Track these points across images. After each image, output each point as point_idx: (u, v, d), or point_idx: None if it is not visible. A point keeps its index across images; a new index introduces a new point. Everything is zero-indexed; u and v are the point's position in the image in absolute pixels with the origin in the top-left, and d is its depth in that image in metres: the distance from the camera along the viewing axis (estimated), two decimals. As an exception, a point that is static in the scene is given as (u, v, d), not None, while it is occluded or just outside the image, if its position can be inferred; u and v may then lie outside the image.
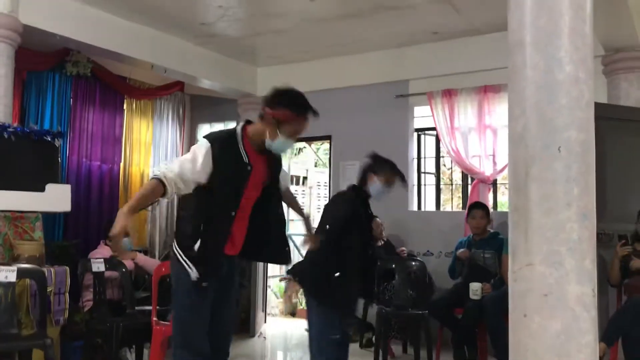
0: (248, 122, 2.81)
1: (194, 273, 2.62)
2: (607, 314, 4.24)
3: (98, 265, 4.46)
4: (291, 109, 2.69)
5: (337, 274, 3.27)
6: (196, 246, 2.62)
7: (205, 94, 7.26)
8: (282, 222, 2.99)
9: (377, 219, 5.48)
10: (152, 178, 2.58)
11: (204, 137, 2.70)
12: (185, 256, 2.65)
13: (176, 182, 2.56)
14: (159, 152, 7.10)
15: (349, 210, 3.39)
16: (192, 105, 7.74)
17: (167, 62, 5.93)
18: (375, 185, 3.45)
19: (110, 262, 4.56)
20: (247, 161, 2.71)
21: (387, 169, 3.48)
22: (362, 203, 3.52)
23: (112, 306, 4.51)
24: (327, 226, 3.35)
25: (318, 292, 3.33)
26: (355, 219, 3.39)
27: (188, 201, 2.73)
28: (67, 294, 4.10)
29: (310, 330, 3.42)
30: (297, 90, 2.78)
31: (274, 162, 2.88)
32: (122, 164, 6.65)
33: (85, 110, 6.27)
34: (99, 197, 6.32)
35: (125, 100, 6.75)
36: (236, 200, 2.70)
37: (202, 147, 2.63)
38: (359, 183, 3.53)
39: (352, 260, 3.35)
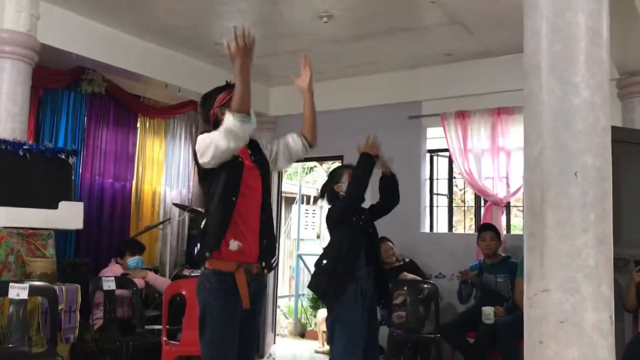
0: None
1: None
2: (623, 339, 4.17)
3: (109, 284, 4.46)
4: (219, 92, 2.88)
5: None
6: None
7: (218, 113, 7.29)
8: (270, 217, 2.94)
9: (388, 242, 5.46)
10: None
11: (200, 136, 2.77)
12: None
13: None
14: (171, 171, 7.13)
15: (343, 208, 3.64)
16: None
17: (181, 82, 5.97)
18: (344, 187, 3.70)
19: (121, 281, 4.56)
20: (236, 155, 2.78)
21: (341, 171, 3.83)
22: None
23: (122, 325, 4.51)
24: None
25: (332, 294, 3.48)
26: (347, 221, 3.60)
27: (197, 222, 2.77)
28: (77, 312, 4.09)
29: (332, 353, 3.48)
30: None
31: (256, 150, 3.00)
32: (134, 182, 6.68)
33: (99, 128, 6.32)
34: (110, 214, 6.34)
35: (139, 119, 6.80)
36: (236, 187, 2.75)
37: (207, 135, 2.72)
38: (331, 201, 3.79)
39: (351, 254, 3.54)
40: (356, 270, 3.52)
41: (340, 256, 3.55)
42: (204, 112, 2.92)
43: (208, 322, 2.66)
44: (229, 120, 2.57)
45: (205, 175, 2.78)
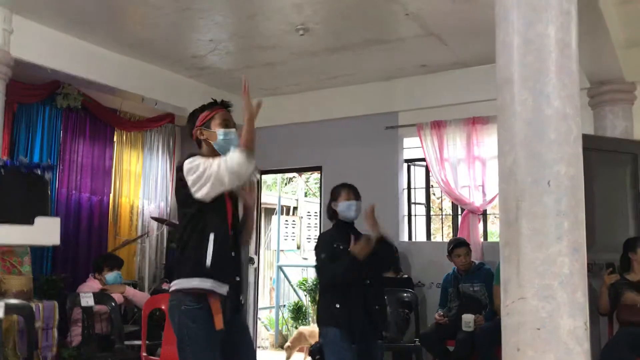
0: (193, 154, 2.74)
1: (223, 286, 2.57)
2: (599, 344, 4.25)
3: (87, 300, 4.41)
4: (201, 112, 2.79)
5: (338, 305, 3.47)
6: (208, 262, 2.55)
7: (195, 125, 7.27)
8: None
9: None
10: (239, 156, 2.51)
11: (190, 158, 2.62)
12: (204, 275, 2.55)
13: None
14: (149, 184, 7.08)
15: (328, 250, 3.59)
16: (183, 136, 7.74)
17: (157, 95, 5.96)
18: (340, 205, 3.68)
19: (99, 296, 4.51)
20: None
21: (338, 190, 3.76)
22: (343, 235, 3.65)
23: (101, 341, 4.45)
24: (323, 255, 3.60)
25: (325, 320, 3.52)
26: (338, 254, 3.55)
27: (183, 239, 2.67)
28: (55, 329, 4.05)
29: None
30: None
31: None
32: (111, 196, 6.61)
33: (76, 142, 6.26)
34: (88, 229, 6.27)
35: (115, 132, 6.74)
36: (224, 223, 2.66)
37: (195, 160, 2.59)
38: (331, 218, 3.78)
39: (348, 290, 3.50)
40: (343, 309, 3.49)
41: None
42: (188, 129, 2.84)
43: (187, 345, 2.55)
44: (237, 157, 2.49)
45: (192, 202, 2.61)
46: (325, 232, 3.94)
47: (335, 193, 3.78)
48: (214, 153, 2.72)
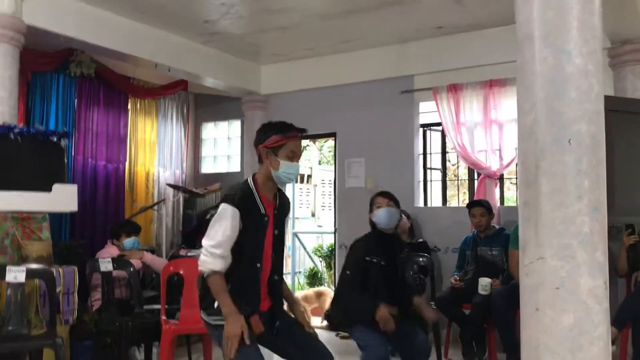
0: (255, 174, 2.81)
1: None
2: (617, 305, 4.23)
3: (106, 265, 4.45)
4: (276, 133, 2.70)
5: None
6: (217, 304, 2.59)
7: (209, 92, 7.26)
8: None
9: (404, 219, 5.44)
10: (208, 275, 2.57)
11: (225, 200, 2.63)
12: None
13: (224, 258, 2.58)
14: (164, 151, 7.11)
15: (357, 265, 3.54)
16: (196, 103, 7.74)
17: (170, 61, 5.92)
18: (375, 216, 3.60)
19: (118, 262, 4.56)
20: (264, 212, 2.71)
21: (373, 199, 3.66)
22: (378, 246, 3.59)
23: (120, 305, 4.51)
24: (347, 272, 3.59)
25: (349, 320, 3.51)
26: (370, 267, 3.52)
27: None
28: (75, 294, 4.09)
29: None
30: (277, 120, 2.81)
31: (281, 210, 2.84)
32: (127, 164, 6.66)
33: (90, 110, 6.28)
34: (105, 196, 6.33)
35: (129, 100, 6.75)
36: (259, 252, 2.70)
37: (228, 212, 2.60)
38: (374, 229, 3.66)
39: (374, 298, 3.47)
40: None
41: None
42: (256, 140, 2.78)
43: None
44: (206, 270, 2.57)
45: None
46: (358, 241, 3.71)
47: (371, 203, 3.66)
48: (268, 179, 2.74)
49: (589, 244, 2.31)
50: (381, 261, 3.54)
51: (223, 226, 2.58)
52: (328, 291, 6.73)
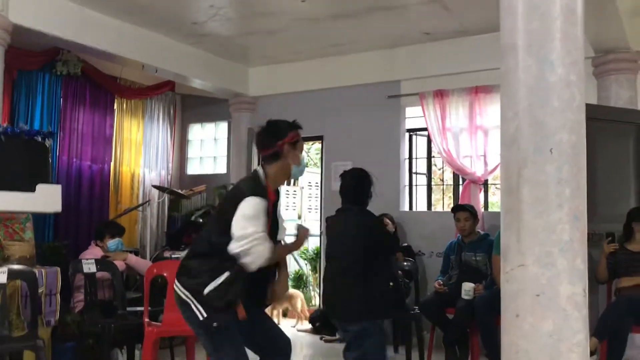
0: (263, 166, 2.83)
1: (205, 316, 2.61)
2: (597, 312, 4.28)
3: (89, 266, 4.42)
4: (291, 130, 2.82)
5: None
6: (210, 288, 2.60)
7: (196, 93, 7.25)
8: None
9: (388, 223, 5.46)
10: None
11: (255, 194, 2.63)
12: (199, 300, 2.62)
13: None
14: (150, 152, 7.08)
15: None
16: (183, 105, 7.72)
17: (158, 62, 5.90)
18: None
19: (102, 263, 4.53)
20: (269, 205, 2.75)
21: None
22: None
23: (103, 307, 4.49)
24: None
25: (365, 314, 3.48)
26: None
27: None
28: (58, 295, 4.06)
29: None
30: (278, 119, 2.89)
31: (277, 203, 2.92)
32: (112, 164, 6.62)
33: (76, 110, 6.24)
34: (89, 197, 6.29)
35: (115, 100, 6.71)
36: None
37: (261, 205, 2.62)
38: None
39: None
40: None
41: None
42: (267, 139, 2.81)
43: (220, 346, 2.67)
44: (267, 253, 2.59)
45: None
46: (371, 215, 3.75)
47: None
48: (284, 175, 2.86)
49: (569, 251, 2.34)
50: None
51: (262, 218, 2.61)
52: (298, 293, 6.74)
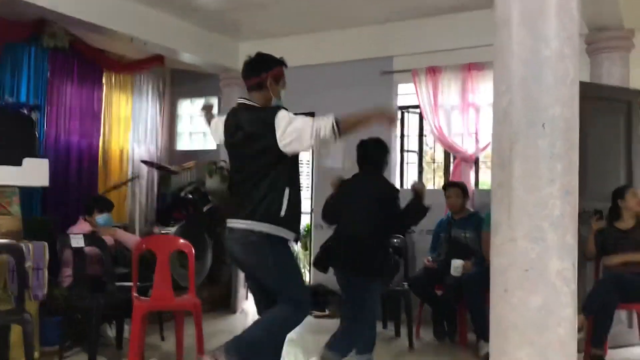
0: (249, 95, 3.05)
1: (291, 235, 2.90)
2: (584, 288, 4.32)
3: (77, 241, 4.39)
4: (278, 65, 3.04)
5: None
6: (283, 211, 2.84)
7: (186, 68, 7.15)
8: None
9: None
10: (334, 127, 2.83)
11: (279, 109, 2.87)
12: (279, 224, 2.84)
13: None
14: (139, 127, 7.00)
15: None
16: (173, 80, 7.62)
17: (147, 35, 5.79)
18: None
19: (90, 238, 4.49)
20: None
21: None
22: None
23: (92, 282, 4.47)
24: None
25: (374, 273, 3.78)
26: None
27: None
28: (45, 270, 4.04)
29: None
30: (268, 53, 3.12)
31: None
32: (101, 139, 6.54)
33: (63, 84, 6.13)
34: (77, 172, 6.22)
35: (104, 74, 6.61)
36: (299, 175, 3.11)
37: (290, 113, 2.87)
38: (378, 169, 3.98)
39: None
40: None
41: None
42: (254, 70, 3.02)
43: (283, 267, 2.93)
44: (329, 132, 2.80)
45: (272, 151, 2.85)
46: (379, 175, 4.02)
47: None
48: (265, 100, 3.01)
49: (559, 226, 2.34)
50: None
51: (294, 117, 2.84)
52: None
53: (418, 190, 3.81)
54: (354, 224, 3.80)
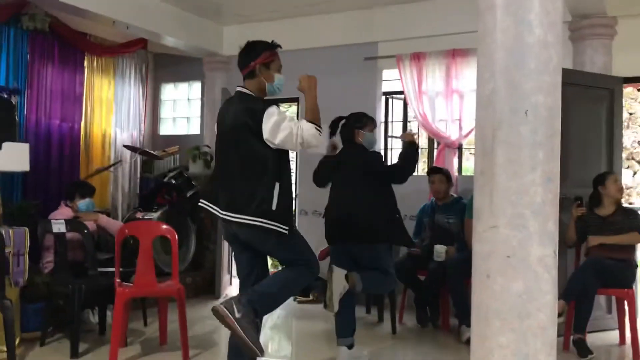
0: (241, 86, 3.07)
1: (284, 228, 2.88)
2: (565, 274, 4.37)
3: (59, 226, 4.35)
4: (266, 49, 3.06)
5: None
6: (274, 205, 2.86)
7: (169, 52, 7.07)
8: None
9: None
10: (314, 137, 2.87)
11: (270, 105, 2.89)
12: (274, 220, 2.85)
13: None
14: (122, 112, 6.93)
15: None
16: (156, 63, 7.53)
17: (129, 18, 5.70)
18: (367, 136, 3.94)
19: (71, 223, 4.45)
20: None
21: (366, 120, 4.01)
22: None
23: (74, 268, 4.43)
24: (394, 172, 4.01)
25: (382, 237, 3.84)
26: None
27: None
28: (26, 256, 4.00)
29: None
30: (258, 40, 3.16)
31: None
32: (82, 123, 6.46)
33: (44, 66, 6.03)
34: (59, 157, 6.15)
35: (85, 58, 6.52)
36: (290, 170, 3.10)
37: (280, 112, 2.89)
38: (349, 140, 3.97)
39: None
40: None
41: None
42: (244, 59, 3.06)
43: (290, 244, 2.98)
44: (313, 132, 2.85)
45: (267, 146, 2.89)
46: (375, 152, 4.09)
47: (361, 120, 3.99)
48: (261, 92, 3.05)
49: (541, 213, 2.36)
50: None
51: (286, 117, 2.88)
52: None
53: (408, 140, 3.97)
54: (349, 196, 3.87)
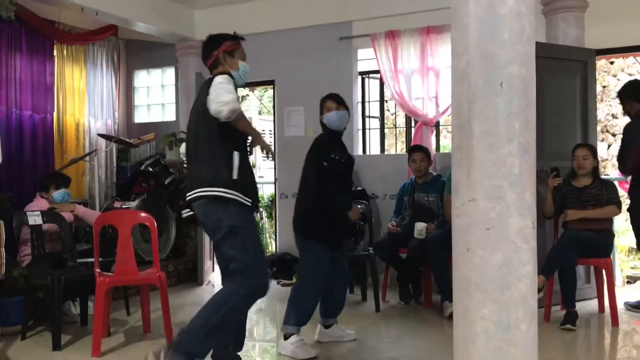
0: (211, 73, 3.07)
1: (247, 200, 2.87)
2: (544, 246, 4.43)
3: (34, 218, 4.27)
4: (227, 39, 3.11)
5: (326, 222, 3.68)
6: (235, 175, 2.85)
7: (141, 38, 6.96)
8: None
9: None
10: (238, 116, 2.79)
11: (222, 75, 2.89)
12: (233, 188, 2.84)
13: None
14: (95, 100, 6.82)
15: (328, 158, 3.64)
16: (128, 50, 7.41)
17: (98, 4, 5.59)
18: (327, 117, 3.73)
19: (47, 215, 4.38)
20: None
21: (323, 102, 3.80)
22: (340, 145, 3.79)
23: (52, 260, 4.37)
24: (320, 175, 3.65)
25: (309, 232, 3.68)
26: (335, 164, 3.67)
27: (206, 148, 2.89)
28: (2, 249, 3.92)
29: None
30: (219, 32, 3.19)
31: None
32: (55, 114, 6.35)
33: (11, 56, 5.89)
34: (32, 148, 6.05)
35: (55, 46, 6.38)
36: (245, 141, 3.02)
37: (230, 81, 2.85)
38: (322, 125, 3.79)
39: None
40: None
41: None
42: (207, 50, 3.11)
43: (239, 233, 2.87)
44: (236, 107, 2.76)
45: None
46: (322, 136, 3.79)
47: (321, 106, 3.79)
48: (227, 70, 3.05)
49: (518, 185, 2.37)
50: (342, 159, 3.70)
51: (232, 88, 2.82)
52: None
53: (354, 218, 3.81)
54: (300, 185, 3.84)
